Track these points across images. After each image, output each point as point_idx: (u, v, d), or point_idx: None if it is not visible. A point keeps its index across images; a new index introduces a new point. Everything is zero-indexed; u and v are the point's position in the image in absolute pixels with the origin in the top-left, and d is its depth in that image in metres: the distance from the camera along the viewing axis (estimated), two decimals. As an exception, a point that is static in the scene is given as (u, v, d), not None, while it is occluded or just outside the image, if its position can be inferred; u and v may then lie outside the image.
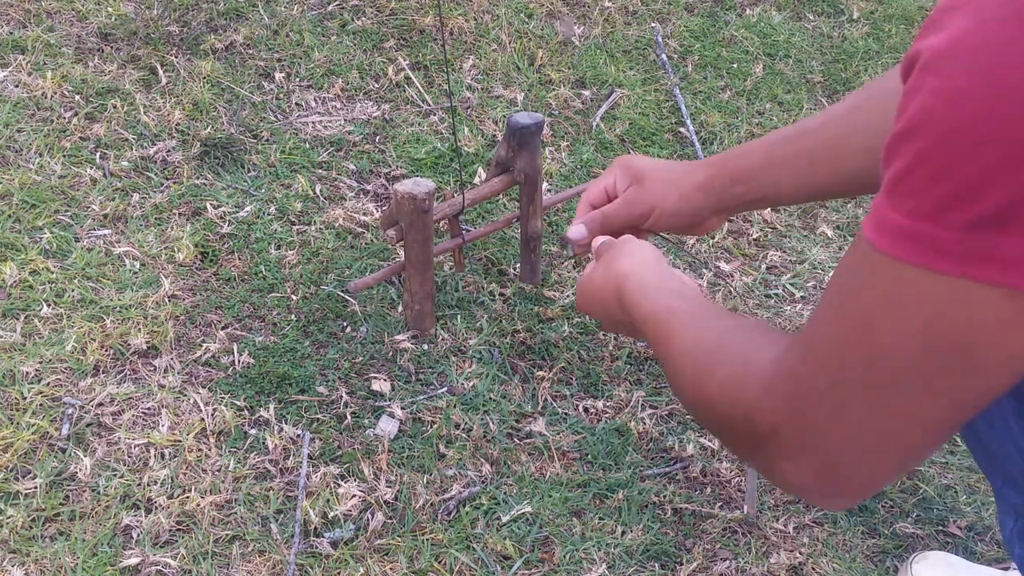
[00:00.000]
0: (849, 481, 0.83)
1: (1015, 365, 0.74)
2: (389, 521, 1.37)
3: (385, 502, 1.39)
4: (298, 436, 1.45)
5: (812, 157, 1.14)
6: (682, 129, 2.07)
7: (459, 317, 1.65)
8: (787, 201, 1.18)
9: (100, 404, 1.46)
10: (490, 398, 1.53)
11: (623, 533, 1.39)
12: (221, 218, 1.76)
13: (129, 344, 1.53)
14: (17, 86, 1.95)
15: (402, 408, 1.49)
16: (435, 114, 2.03)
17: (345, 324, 1.61)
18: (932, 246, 0.69)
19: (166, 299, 1.61)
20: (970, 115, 0.65)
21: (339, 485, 1.39)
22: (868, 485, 0.83)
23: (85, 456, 1.39)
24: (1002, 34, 0.65)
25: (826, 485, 0.83)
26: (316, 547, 1.32)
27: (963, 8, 0.68)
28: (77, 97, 1.95)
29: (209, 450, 1.42)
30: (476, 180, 1.89)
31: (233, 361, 1.54)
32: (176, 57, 2.05)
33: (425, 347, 1.60)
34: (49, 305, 1.57)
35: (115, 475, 1.38)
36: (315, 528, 1.34)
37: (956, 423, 0.78)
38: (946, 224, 0.68)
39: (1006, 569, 1.35)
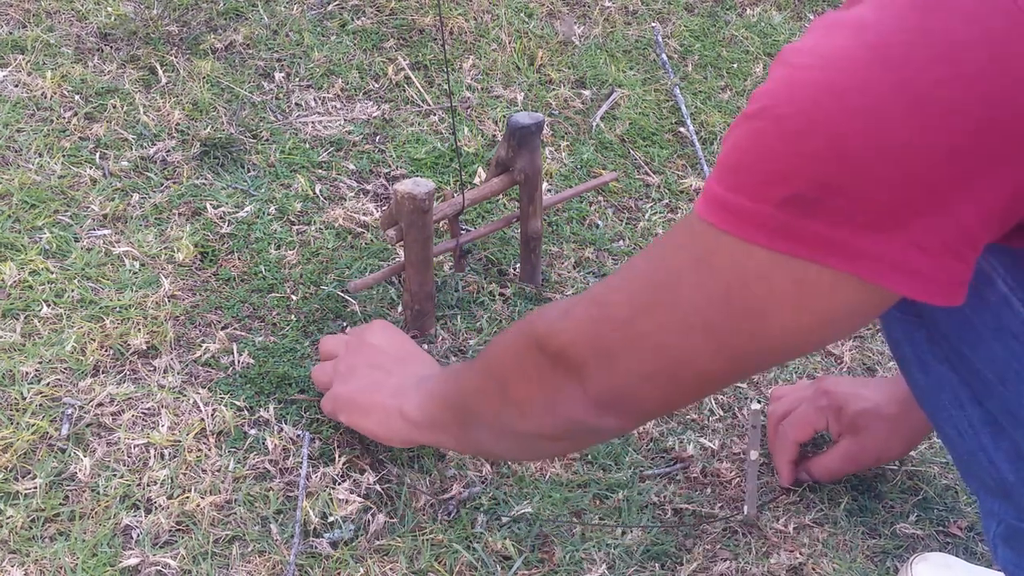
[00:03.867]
0: (623, 404, 0.93)
1: (800, 339, 0.83)
2: (389, 521, 1.37)
3: (385, 503, 1.39)
4: (298, 436, 1.45)
5: None
6: (682, 129, 2.07)
7: (459, 317, 1.64)
8: None
9: (100, 404, 1.46)
10: (490, 398, 1.53)
11: (623, 533, 1.39)
12: (221, 218, 1.76)
13: (129, 344, 1.53)
14: (17, 86, 1.95)
15: (402, 408, 1.49)
16: (435, 114, 2.03)
17: (345, 324, 1.61)
18: (747, 217, 0.76)
19: (166, 299, 1.61)
20: (805, 104, 0.73)
21: (339, 484, 1.39)
22: (637, 412, 0.96)
23: (85, 456, 1.39)
24: (839, 43, 0.73)
25: (606, 404, 0.92)
26: (316, 547, 1.32)
27: (818, 24, 0.78)
28: (77, 97, 1.95)
29: (209, 450, 1.42)
30: (476, 180, 1.89)
31: (233, 361, 1.54)
32: (176, 57, 2.05)
33: (425, 347, 1.60)
34: (49, 305, 1.57)
35: (115, 475, 1.38)
36: (315, 528, 1.34)
37: (732, 378, 0.91)
38: (762, 198, 0.75)
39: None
